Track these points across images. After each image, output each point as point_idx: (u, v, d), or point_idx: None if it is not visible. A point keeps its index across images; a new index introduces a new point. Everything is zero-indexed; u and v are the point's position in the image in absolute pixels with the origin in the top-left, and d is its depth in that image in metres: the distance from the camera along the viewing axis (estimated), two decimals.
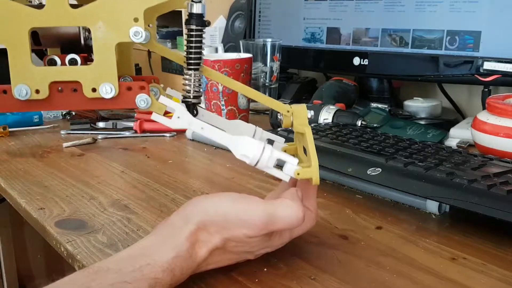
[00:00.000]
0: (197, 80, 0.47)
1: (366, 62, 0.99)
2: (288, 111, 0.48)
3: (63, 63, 0.49)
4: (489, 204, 0.49)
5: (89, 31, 0.49)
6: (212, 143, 0.86)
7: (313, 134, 0.72)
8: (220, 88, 0.93)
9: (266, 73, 1.10)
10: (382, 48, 0.96)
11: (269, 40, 1.09)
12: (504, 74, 0.80)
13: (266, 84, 1.11)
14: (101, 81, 0.44)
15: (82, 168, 0.76)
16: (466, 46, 0.85)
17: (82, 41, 0.54)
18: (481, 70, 0.82)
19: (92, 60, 0.45)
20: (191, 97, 0.47)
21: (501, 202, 0.48)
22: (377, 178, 0.58)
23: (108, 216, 0.58)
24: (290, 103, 1.04)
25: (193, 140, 0.90)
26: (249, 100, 0.99)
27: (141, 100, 0.44)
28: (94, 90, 0.44)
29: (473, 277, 0.44)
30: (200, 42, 0.46)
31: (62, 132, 0.95)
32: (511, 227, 0.49)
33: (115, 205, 0.62)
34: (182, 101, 0.47)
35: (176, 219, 0.44)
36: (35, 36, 0.52)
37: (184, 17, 0.60)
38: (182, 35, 1.28)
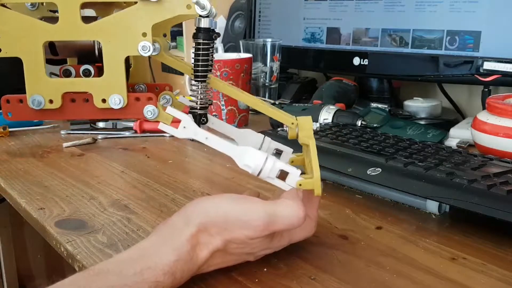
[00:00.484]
0: (204, 91, 0.48)
1: (366, 62, 0.99)
2: (292, 123, 0.48)
3: (77, 74, 0.50)
4: (489, 204, 0.49)
5: None
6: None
7: (313, 134, 0.72)
8: None
9: (266, 73, 1.10)
10: (382, 48, 0.96)
11: (269, 40, 1.09)
12: (504, 74, 0.80)
13: (266, 84, 1.11)
14: (110, 92, 0.45)
15: (82, 168, 0.76)
16: (466, 46, 0.85)
17: (96, 52, 0.54)
18: (481, 70, 0.82)
19: None
20: (198, 108, 0.48)
21: (501, 202, 0.48)
22: (377, 178, 0.58)
23: (108, 216, 0.58)
24: (290, 103, 1.05)
25: (193, 140, 0.89)
26: None
27: (148, 111, 0.46)
28: (104, 101, 0.46)
29: (473, 277, 0.44)
30: (207, 55, 0.47)
31: (62, 132, 0.95)
32: (511, 227, 0.49)
33: (115, 205, 0.62)
34: (189, 112, 0.48)
35: (177, 220, 0.44)
36: (52, 46, 0.53)
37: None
38: (182, 35, 1.28)
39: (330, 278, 0.44)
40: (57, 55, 0.52)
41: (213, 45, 0.47)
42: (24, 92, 0.47)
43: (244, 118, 0.97)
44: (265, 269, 0.46)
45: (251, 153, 0.45)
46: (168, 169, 0.75)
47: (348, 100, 0.99)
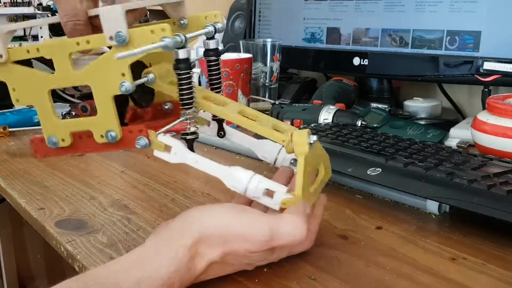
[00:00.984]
0: (192, 117, 0.50)
1: (366, 62, 0.99)
2: (283, 141, 0.48)
3: (92, 109, 0.55)
4: (489, 204, 0.49)
5: None
6: (212, 143, 0.86)
7: (313, 134, 0.72)
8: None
9: (266, 73, 1.10)
10: (382, 48, 0.96)
11: (269, 40, 1.09)
12: (504, 74, 0.80)
13: (266, 84, 1.11)
14: (105, 128, 0.49)
15: (82, 168, 0.76)
16: (466, 46, 0.85)
17: None
18: (481, 70, 0.82)
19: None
20: (188, 133, 0.50)
21: (501, 202, 0.48)
22: (377, 178, 0.58)
23: (108, 216, 0.58)
24: (290, 103, 1.05)
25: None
26: (249, 101, 0.99)
27: (139, 142, 0.49)
28: (102, 136, 0.50)
29: (473, 277, 0.44)
30: (190, 83, 0.49)
31: None
32: (511, 227, 0.49)
33: (115, 205, 0.62)
34: (181, 137, 0.51)
35: (176, 227, 0.43)
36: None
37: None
38: None
39: (330, 278, 0.44)
40: (80, 91, 0.57)
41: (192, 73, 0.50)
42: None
43: None
44: (265, 269, 0.46)
45: (236, 173, 0.47)
46: (168, 169, 0.75)
47: (348, 100, 0.99)
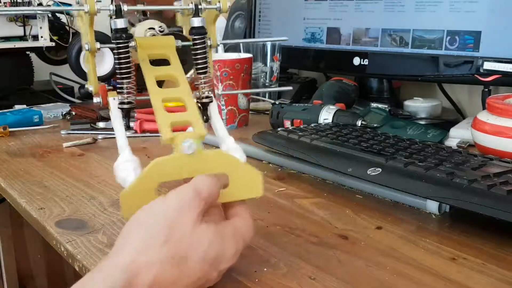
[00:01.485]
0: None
1: (366, 62, 0.99)
2: (164, 139, 0.46)
3: None
4: (489, 204, 0.49)
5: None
6: (212, 143, 0.86)
7: (313, 134, 0.72)
8: (221, 88, 0.93)
9: (266, 73, 1.10)
10: (382, 48, 0.97)
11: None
12: (504, 74, 0.80)
13: (266, 84, 1.11)
14: None
15: (82, 168, 0.76)
16: (466, 46, 0.85)
17: None
18: (481, 70, 0.82)
19: None
20: (125, 102, 0.53)
21: (501, 202, 0.48)
22: (377, 178, 0.58)
23: (108, 216, 0.58)
24: (290, 103, 1.05)
25: None
26: (249, 100, 0.99)
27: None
28: None
29: (473, 277, 0.44)
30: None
31: (62, 132, 0.95)
32: (511, 227, 0.49)
33: (115, 205, 0.62)
34: (118, 106, 0.53)
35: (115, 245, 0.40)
36: None
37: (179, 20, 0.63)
38: None
39: (330, 278, 0.44)
40: None
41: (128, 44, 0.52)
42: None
43: (244, 118, 0.97)
44: (265, 269, 0.46)
45: (120, 157, 0.50)
46: None
47: (348, 100, 0.99)
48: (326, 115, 0.83)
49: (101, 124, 0.98)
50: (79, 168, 0.76)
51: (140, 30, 0.89)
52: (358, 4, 1.00)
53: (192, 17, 0.54)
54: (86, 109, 1.04)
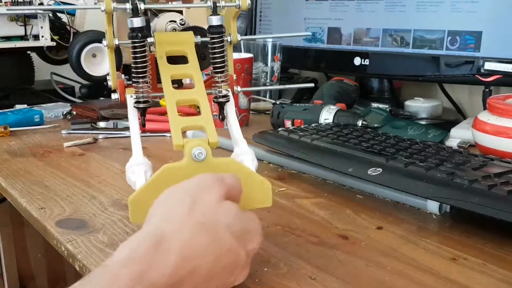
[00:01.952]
0: (146, 86, 0.53)
1: (367, 62, 0.99)
2: (176, 145, 0.46)
3: None
4: (490, 204, 0.49)
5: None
6: (225, 146, 0.86)
7: (314, 134, 0.72)
8: None
9: (266, 73, 1.10)
10: (383, 48, 0.97)
11: (270, 40, 1.09)
12: (505, 74, 0.80)
13: (267, 84, 1.11)
14: None
15: (83, 167, 0.76)
16: (467, 46, 0.85)
17: None
18: (482, 71, 0.82)
19: None
20: (141, 101, 0.53)
21: (501, 202, 0.48)
22: (377, 178, 0.58)
23: (108, 216, 0.58)
24: (291, 103, 1.05)
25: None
26: (250, 100, 0.99)
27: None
28: None
29: (474, 277, 0.44)
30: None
31: (63, 131, 0.95)
32: None
33: (115, 204, 0.62)
34: (134, 106, 0.54)
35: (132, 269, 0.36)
36: None
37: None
38: None
39: (330, 278, 0.44)
40: None
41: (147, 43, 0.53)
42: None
43: (244, 118, 0.97)
44: (265, 269, 0.46)
45: (132, 158, 0.49)
46: None
47: (348, 100, 0.99)
48: (327, 115, 0.83)
49: (101, 124, 0.98)
50: (79, 167, 0.76)
51: (161, 22, 0.89)
52: (359, 4, 1.00)
53: (210, 15, 0.54)
54: (86, 108, 1.04)
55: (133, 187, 0.48)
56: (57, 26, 1.18)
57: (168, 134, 0.93)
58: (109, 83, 0.56)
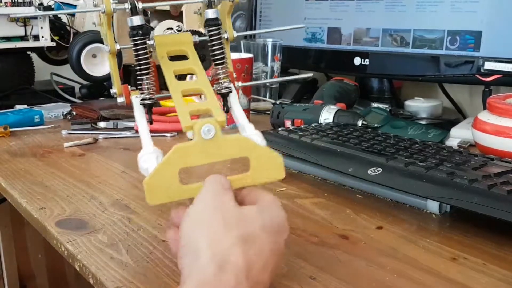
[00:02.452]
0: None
1: (367, 62, 0.99)
2: (185, 127, 0.47)
3: None
4: (490, 204, 0.49)
5: None
6: None
7: (314, 134, 0.72)
8: None
9: (267, 73, 1.10)
10: (383, 48, 0.97)
11: (270, 40, 1.09)
12: (505, 74, 0.80)
13: (267, 84, 1.11)
14: None
15: (83, 168, 0.76)
16: (467, 46, 0.85)
17: None
18: (482, 70, 0.82)
19: None
20: (146, 98, 0.53)
21: (501, 202, 0.48)
22: (377, 178, 0.58)
23: (108, 216, 0.58)
24: (291, 103, 1.05)
25: None
26: (250, 100, 0.99)
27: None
28: None
29: (474, 277, 0.44)
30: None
31: (63, 132, 0.95)
32: None
33: (115, 205, 0.62)
34: (140, 103, 0.53)
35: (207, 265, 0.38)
36: None
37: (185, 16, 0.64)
38: None
39: (330, 278, 0.44)
40: None
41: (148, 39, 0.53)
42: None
43: None
44: None
45: (143, 150, 0.49)
46: None
47: (348, 100, 0.99)
48: (327, 115, 0.83)
49: (101, 124, 0.98)
50: (79, 168, 0.76)
51: (158, 31, 0.89)
52: (359, 4, 1.00)
53: (206, 9, 0.54)
54: (87, 109, 1.04)
55: (145, 175, 0.48)
56: (57, 27, 1.18)
57: (168, 134, 0.93)
58: (113, 90, 0.56)
